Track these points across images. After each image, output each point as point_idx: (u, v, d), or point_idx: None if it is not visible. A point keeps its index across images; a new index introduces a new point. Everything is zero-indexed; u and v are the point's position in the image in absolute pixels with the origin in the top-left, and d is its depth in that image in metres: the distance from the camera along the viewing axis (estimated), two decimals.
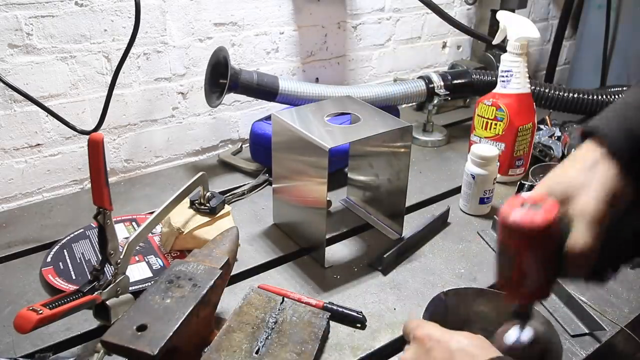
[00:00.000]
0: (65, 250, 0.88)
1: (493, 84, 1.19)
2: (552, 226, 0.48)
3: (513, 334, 0.57)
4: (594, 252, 0.49)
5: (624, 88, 1.36)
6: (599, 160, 0.50)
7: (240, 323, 0.69)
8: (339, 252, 0.91)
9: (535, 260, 0.50)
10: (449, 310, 0.70)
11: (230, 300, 0.78)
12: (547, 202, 0.49)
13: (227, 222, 0.90)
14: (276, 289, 0.79)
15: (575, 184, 0.50)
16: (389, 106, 1.24)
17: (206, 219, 0.88)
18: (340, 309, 0.76)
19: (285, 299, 0.75)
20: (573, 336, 0.74)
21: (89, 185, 1.11)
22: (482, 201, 1.00)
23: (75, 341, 0.72)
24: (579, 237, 0.49)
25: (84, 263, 0.85)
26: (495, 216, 0.97)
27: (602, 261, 0.50)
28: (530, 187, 1.05)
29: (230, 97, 1.25)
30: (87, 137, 0.67)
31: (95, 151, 0.65)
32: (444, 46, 1.62)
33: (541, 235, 0.48)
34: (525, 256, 0.50)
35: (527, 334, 0.57)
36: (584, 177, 0.50)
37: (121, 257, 0.70)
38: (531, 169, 1.12)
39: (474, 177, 0.99)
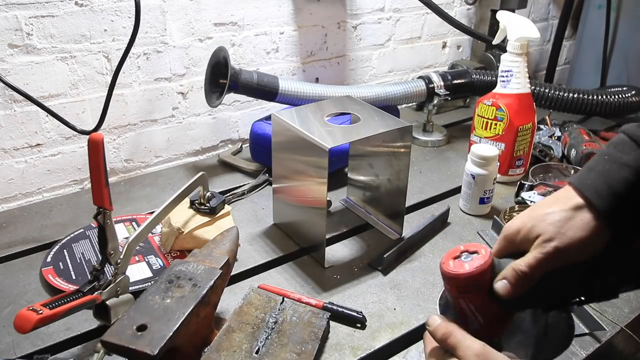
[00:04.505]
0: (65, 250, 0.88)
1: (493, 84, 1.19)
2: (477, 276, 0.51)
3: None
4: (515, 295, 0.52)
5: (624, 88, 1.36)
6: (580, 207, 0.51)
7: (240, 323, 0.69)
8: (339, 252, 0.91)
9: (467, 304, 0.53)
10: None
11: (230, 300, 0.78)
12: (481, 252, 0.53)
13: (227, 222, 0.90)
14: (276, 289, 0.79)
15: (551, 223, 0.51)
16: (389, 106, 1.24)
17: (206, 219, 0.88)
18: (340, 309, 0.76)
19: (285, 299, 0.75)
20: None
21: (89, 185, 1.11)
22: (482, 201, 1.00)
23: (75, 341, 0.72)
24: (504, 281, 0.52)
25: (84, 263, 0.85)
26: (495, 216, 0.97)
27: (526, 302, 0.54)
28: (531, 187, 1.05)
29: (230, 97, 1.25)
30: (87, 137, 0.67)
31: (95, 151, 0.65)
32: (444, 46, 1.62)
33: (467, 282, 0.52)
34: (459, 301, 0.53)
35: None
36: (564, 218, 0.51)
37: (121, 257, 0.70)
38: (531, 169, 1.12)
39: (474, 177, 0.99)
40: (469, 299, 0.53)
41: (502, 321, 0.55)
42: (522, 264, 0.51)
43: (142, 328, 0.58)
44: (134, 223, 0.96)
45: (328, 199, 0.96)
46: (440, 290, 0.80)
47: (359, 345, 0.72)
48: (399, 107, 1.30)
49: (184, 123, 1.20)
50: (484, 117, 1.11)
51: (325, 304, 0.76)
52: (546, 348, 0.64)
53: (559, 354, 0.62)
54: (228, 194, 1.05)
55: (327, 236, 0.90)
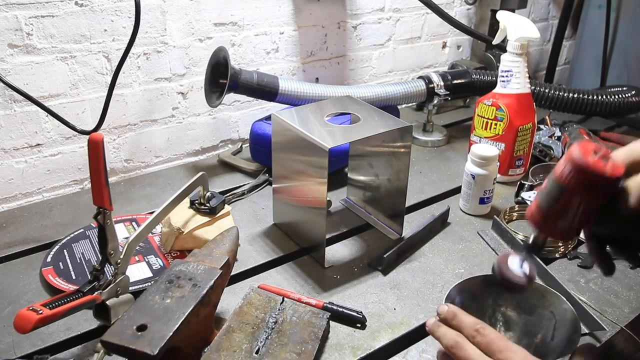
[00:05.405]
0: (65, 250, 0.88)
1: (493, 84, 1.19)
2: (617, 180, 0.50)
3: (515, 262, 0.58)
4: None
5: (624, 88, 1.36)
6: None
7: (240, 323, 0.69)
8: (339, 252, 0.91)
9: (581, 202, 0.51)
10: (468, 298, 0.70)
11: (230, 300, 0.78)
12: (614, 159, 0.51)
13: (227, 222, 0.90)
14: (276, 289, 0.79)
15: None
16: (389, 106, 1.24)
17: (206, 219, 0.88)
18: (340, 309, 0.76)
19: (285, 299, 0.75)
20: None
21: (89, 185, 1.11)
22: (482, 201, 1.00)
23: (75, 341, 0.72)
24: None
25: (84, 263, 0.85)
26: (495, 216, 0.97)
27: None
28: (531, 187, 1.05)
29: (230, 97, 1.25)
30: (87, 137, 0.67)
31: (95, 151, 0.65)
32: (444, 46, 1.62)
33: (602, 184, 0.50)
34: (576, 196, 0.51)
35: (528, 266, 0.58)
36: None
37: (121, 257, 0.70)
38: (531, 169, 1.12)
39: (474, 177, 0.99)
40: (590, 198, 0.51)
41: (585, 228, 0.54)
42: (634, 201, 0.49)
43: (142, 328, 0.58)
44: (134, 223, 0.96)
45: (328, 199, 0.96)
46: (441, 290, 0.81)
47: (359, 345, 0.72)
48: (399, 107, 1.30)
49: (184, 123, 1.20)
50: (484, 117, 1.11)
51: (325, 304, 0.76)
52: (551, 351, 0.64)
53: (563, 356, 0.62)
54: (228, 194, 1.05)
55: (327, 236, 0.90)
